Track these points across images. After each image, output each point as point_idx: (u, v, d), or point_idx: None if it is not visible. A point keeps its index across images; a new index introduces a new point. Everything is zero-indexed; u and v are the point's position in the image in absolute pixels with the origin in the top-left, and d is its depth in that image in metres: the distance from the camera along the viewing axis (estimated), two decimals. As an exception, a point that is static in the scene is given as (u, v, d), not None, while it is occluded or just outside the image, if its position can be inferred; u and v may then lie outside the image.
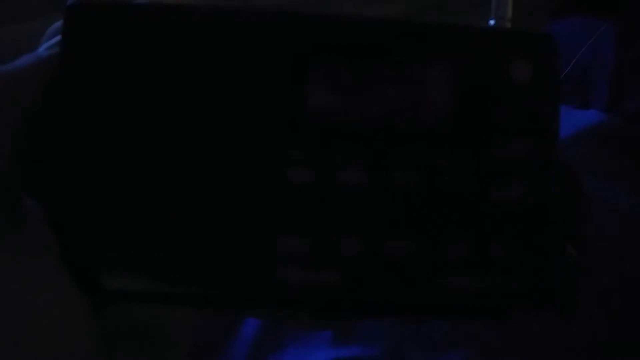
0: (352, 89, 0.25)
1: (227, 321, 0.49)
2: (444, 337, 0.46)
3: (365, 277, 0.24)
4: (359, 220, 0.25)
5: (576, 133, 0.59)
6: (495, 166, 0.25)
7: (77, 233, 0.24)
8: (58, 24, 0.27)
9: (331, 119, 0.25)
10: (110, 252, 0.24)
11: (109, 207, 0.24)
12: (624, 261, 0.50)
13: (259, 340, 0.48)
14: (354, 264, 0.24)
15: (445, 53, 0.25)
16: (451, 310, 0.26)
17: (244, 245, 0.24)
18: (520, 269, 0.25)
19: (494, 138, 0.25)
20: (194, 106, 0.25)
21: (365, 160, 0.25)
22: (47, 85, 0.24)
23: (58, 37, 0.26)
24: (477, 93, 0.25)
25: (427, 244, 0.25)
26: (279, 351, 0.47)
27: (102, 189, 0.24)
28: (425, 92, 0.25)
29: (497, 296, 0.25)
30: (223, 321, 0.49)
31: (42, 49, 0.26)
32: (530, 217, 0.25)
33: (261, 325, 0.48)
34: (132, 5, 0.25)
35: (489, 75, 0.25)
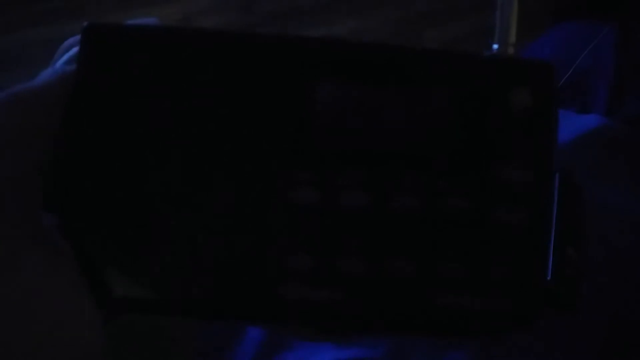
0: (355, 113, 0.26)
1: (232, 326, 0.50)
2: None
3: (366, 295, 0.25)
4: (361, 241, 0.25)
5: (576, 137, 0.59)
6: (493, 191, 0.25)
7: (90, 244, 0.25)
8: (71, 39, 0.27)
9: (335, 142, 0.26)
10: (120, 263, 0.25)
11: (120, 220, 0.25)
12: (624, 263, 0.51)
13: (264, 342, 0.48)
14: (354, 282, 0.25)
15: (447, 80, 0.26)
16: (448, 328, 0.26)
17: (248, 261, 0.25)
18: (515, 291, 0.25)
19: (492, 164, 0.26)
20: (202, 126, 0.25)
21: (368, 183, 0.25)
22: (66, 100, 0.25)
23: (73, 51, 0.26)
24: (477, 119, 0.26)
25: (426, 264, 0.25)
26: (284, 352, 0.47)
27: (114, 202, 0.25)
28: (426, 118, 0.26)
29: (492, 317, 0.25)
30: (228, 326, 0.50)
31: (59, 64, 0.27)
32: (526, 241, 0.25)
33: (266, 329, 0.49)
34: (146, 27, 0.26)
35: (489, 103, 0.26)
